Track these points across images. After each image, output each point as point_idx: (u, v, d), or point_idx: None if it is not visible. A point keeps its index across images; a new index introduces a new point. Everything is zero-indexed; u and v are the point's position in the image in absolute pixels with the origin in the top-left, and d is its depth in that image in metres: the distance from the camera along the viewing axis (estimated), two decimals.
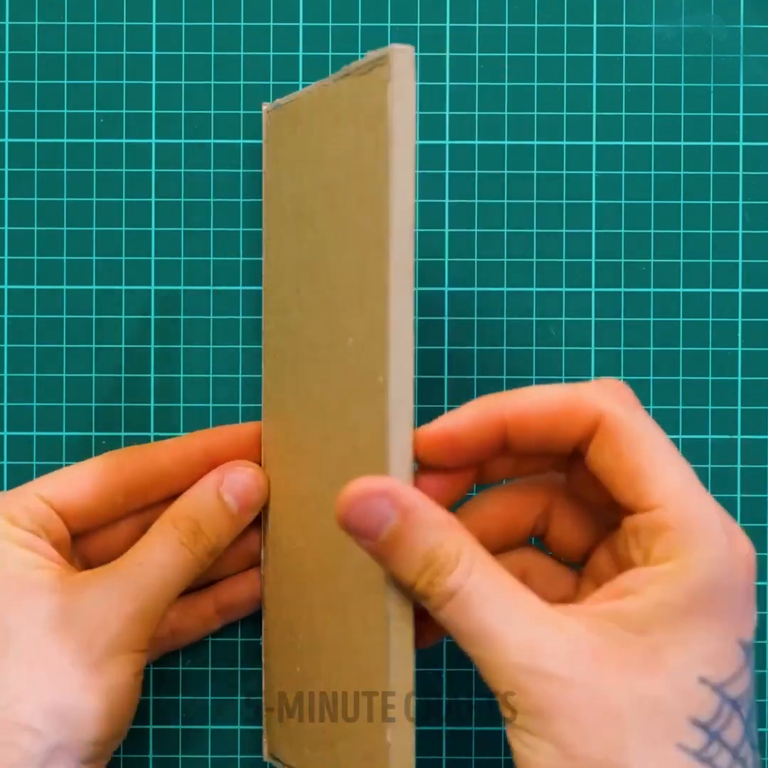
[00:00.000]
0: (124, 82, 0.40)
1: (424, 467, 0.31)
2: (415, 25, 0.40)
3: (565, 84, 0.40)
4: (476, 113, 0.40)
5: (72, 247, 0.40)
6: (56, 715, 0.31)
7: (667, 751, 0.26)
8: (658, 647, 0.27)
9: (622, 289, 0.40)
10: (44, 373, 0.40)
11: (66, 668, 0.31)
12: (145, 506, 0.36)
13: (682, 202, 0.40)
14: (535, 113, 0.40)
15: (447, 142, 0.40)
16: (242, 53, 0.40)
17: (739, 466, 0.40)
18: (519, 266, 0.40)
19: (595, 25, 0.40)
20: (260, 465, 0.37)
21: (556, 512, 0.33)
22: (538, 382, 0.39)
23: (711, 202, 0.40)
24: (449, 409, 0.35)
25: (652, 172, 0.40)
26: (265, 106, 0.38)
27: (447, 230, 0.40)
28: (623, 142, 0.40)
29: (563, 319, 0.40)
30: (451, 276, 0.40)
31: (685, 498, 0.28)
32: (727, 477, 0.39)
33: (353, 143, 0.31)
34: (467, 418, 0.30)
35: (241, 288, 0.40)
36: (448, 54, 0.40)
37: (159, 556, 0.33)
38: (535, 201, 0.40)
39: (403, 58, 0.28)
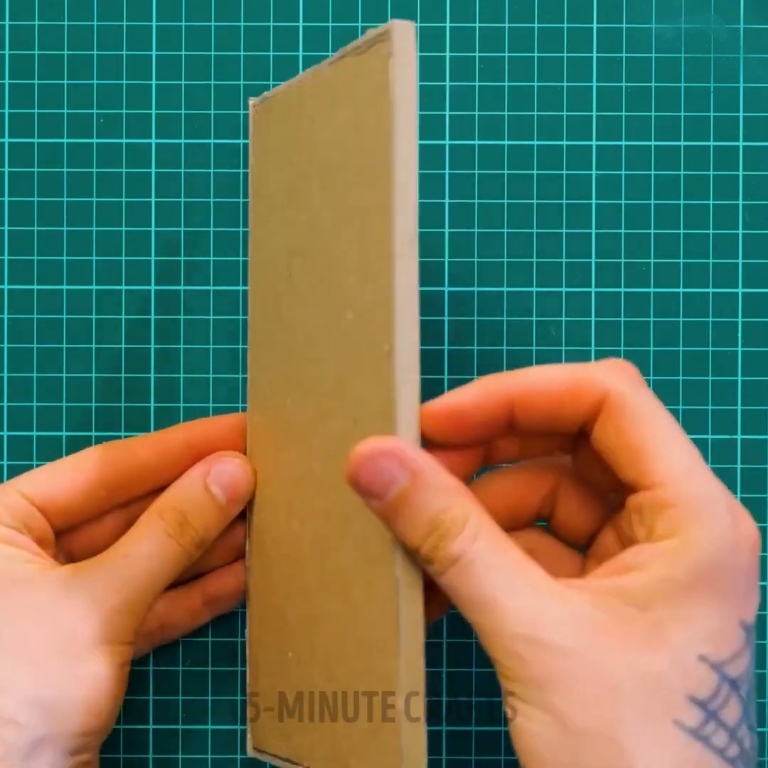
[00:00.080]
0: (124, 82, 0.40)
1: (429, 445, 0.30)
2: (415, 25, 0.40)
3: (565, 84, 0.40)
4: (476, 113, 0.40)
5: (72, 247, 0.40)
6: (40, 707, 0.31)
7: (664, 727, 0.26)
8: (659, 623, 0.27)
9: (622, 289, 0.40)
10: (44, 373, 0.40)
11: (50, 661, 0.32)
12: (129, 500, 0.36)
13: (682, 202, 0.40)
14: (535, 113, 0.40)
15: (447, 142, 0.40)
16: (242, 53, 0.40)
17: (739, 466, 0.40)
18: (519, 266, 0.40)
19: (595, 25, 0.40)
20: (245, 455, 0.37)
21: (563, 494, 0.32)
22: None
23: (711, 202, 0.40)
24: None
25: (652, 172, 0.40)
26: (252, 101, 0.38)
27: (447, 230, 0.40)
28: (623, 142, 0.40)
29: (563, 319, 0.40)
30: (451, 276, 0.40)
31: (689, 476, 0.28)
32: (727, 477, 0.39)
33: (352, 122, 0.31)
34: (472, 395, 0.30)
35: (241, 288, 0.40)
36: (448, 54, 0.40)
37: (145, 547, 0.33)
38: (535, 201, 0.40)
39: (404, 32, 0.29)
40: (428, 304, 0.39)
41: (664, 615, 0.27)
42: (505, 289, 0.39)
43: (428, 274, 0.39)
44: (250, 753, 0.37)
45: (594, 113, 0.40)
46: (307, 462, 0.33)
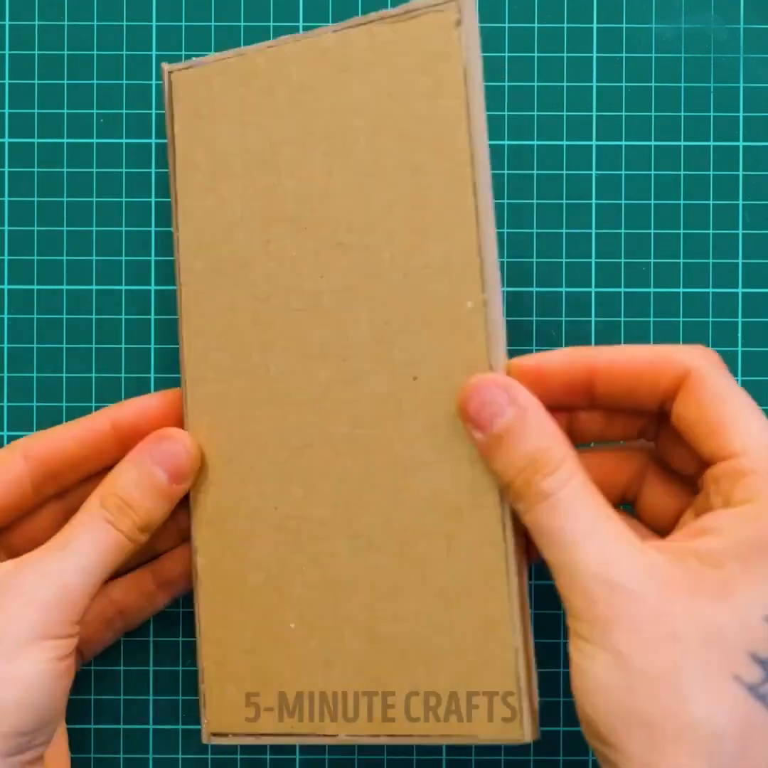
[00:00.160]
0: (124, 82, 0.40)
1: None
2: None
3: (565, 84, 0.40)
4: None
5: (72, 247, 0.40)
6: None
7: (722, 680, 0.27)
8: (729, 580, 0.28)
9: (622, 289, 0.40)
10: (44, 373, 0.40)
11: None
12: (62, 491, 0.36)
13: (682, 202, 0.40)
14: (535, 113, 0.40)
15: None
16: None
17: None
18: (519, 266, 0.40)
19: (595, 25, 0.40)
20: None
21: (648, 479, 0.33)
22: None
23: (711, 202, 0.40)
24: None
25: (652, 172, 0.40)
26: (167, 67, 0.35)
27: None
28: (623, 142, 0.40)
29: (563, 319, 0.40)
30: None
31: (766, 447, 0.29)
32: None
33: (387, 88, 0.32)
34: (558, 358, 0.31)
35: None
36: None
37: (81, 538, 0.32)
38: (535, 201, 0.40)
39: (470, 3, 0.31)
40: None
41: (734, 573, 0.28)
42: (505, 289, 0.39)
43: None
44: (207, 739, 0.35)
45: (594, 113, 0.40)
46: (323, 428, 0.33)
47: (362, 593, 0.33)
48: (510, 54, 0.40)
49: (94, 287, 0.40)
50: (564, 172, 0.40)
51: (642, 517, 0.34)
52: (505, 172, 0.40)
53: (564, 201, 0.40)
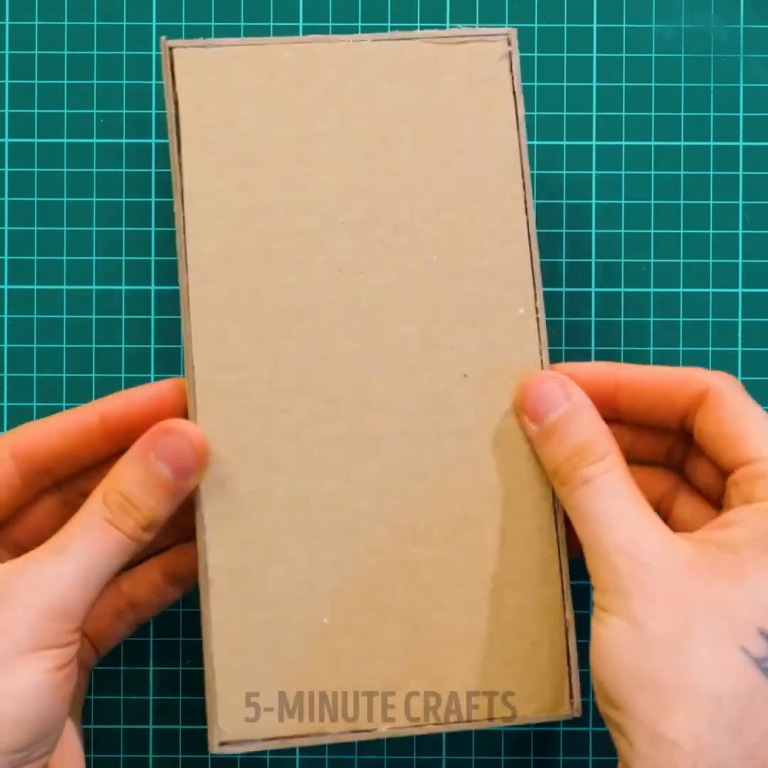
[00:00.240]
0: (124, 82, 0.40)
1: None
2: (415, 25, 0.40)
3: (565, 84, 0.40)
4: None
5: (72, 247, 0.40)
6: None
7: (730, 650, 0.29)
8: (744, 564, 0.29)
9: (622, 289, 0.40)
10: (44, 373, 0.40)
11: None
12: (56, 483, 0.35)
13: (682, 202, 0.40)
14: (535, 113, 0.40)
15: None
16: None
17: None
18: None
19: (595, 25, 0.40)
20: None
21: (680, 499, 0.35)
22: None
23: (711, 202, 0.40)
24: None
25: (652, 172, 0.40)
26: (167, 43, 0.34)
27: None
28: (623, 142, 0.40)
29: (563, 319, 0.40)
30: None
31: None
32: None
33: (433, 101, 0.34)
34: (586, 370, 0.34)
35: None
36: None
37: (80, 540, 0.31)
38: (535, 201, 0.40)
39: (515, 36, 0.35)
40: None
41: (750, 558, 0.29)
42: None
43: None
44: (218, 749, 0.33)
45: (594, 113, 0.40)
46: (358, 419, 0.33)
47: (404, 585, 0.33)
48: None
49: (94, 287, 0.40)
50: (564, 172, 0.40)
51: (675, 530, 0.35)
52: None
53: (564, 201, 0.40)
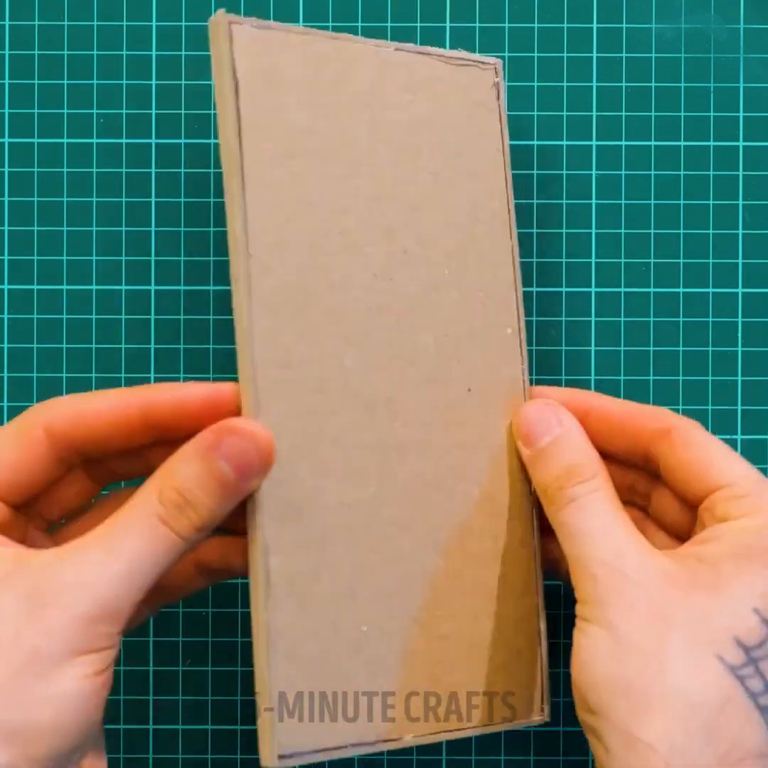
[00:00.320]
0: (124, 82, 0.40)
1: None
2: (415, 25, 0.40)
3: (565, 84, 0.40)
4: None
5: (72, 247, 0.40)
6: (2, 735, 0.28)
7: (706, 657, 0.29)
8: (722, 576, 0.30)
9: (622, 289, 0.40)
10: (44, 373, 0.40)
11: (11, 682, 0.28)
12: (85, 460, 0.33)
13: (682, 202, 0.40)
14: (535, 113, 0.40)
15: None
16: None
17: None
18: (520, 266, 0.40)
19: (595, 25, 0.40)
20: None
21: (647, 532, 0.35)
22: (538, 382, 0.39)
23: (711, 202, 0.40)
24: None
25: (652, 172, 0.40)
26: (226, 17, 0.32)
27: None
28: (623, 142, 0.40)
29: (563, 319, 0.40)
30: None
31: (757, 478, 0.32)
32: None
33: (442, 119, 0.35)
34: (558, 393, 0.35)
35: None
36: None
37: (132, 538, 0.29)
38: (535, 201, 0.40)
39: (501, 68, 0.37)
40: None
41: (728, 570, 0.30)
42: None
43: None
44: (272, 763, 0.31)
45: (594, 113, 0.40)
46: (389, 427, 0.33)
47: (424, 593, 0.34)
48: (510, 54, 0.40)
49: (94, 287, 0.40)
50: (564, 172, 0.40)
51: None
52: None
53: (564, 201, 0.40)
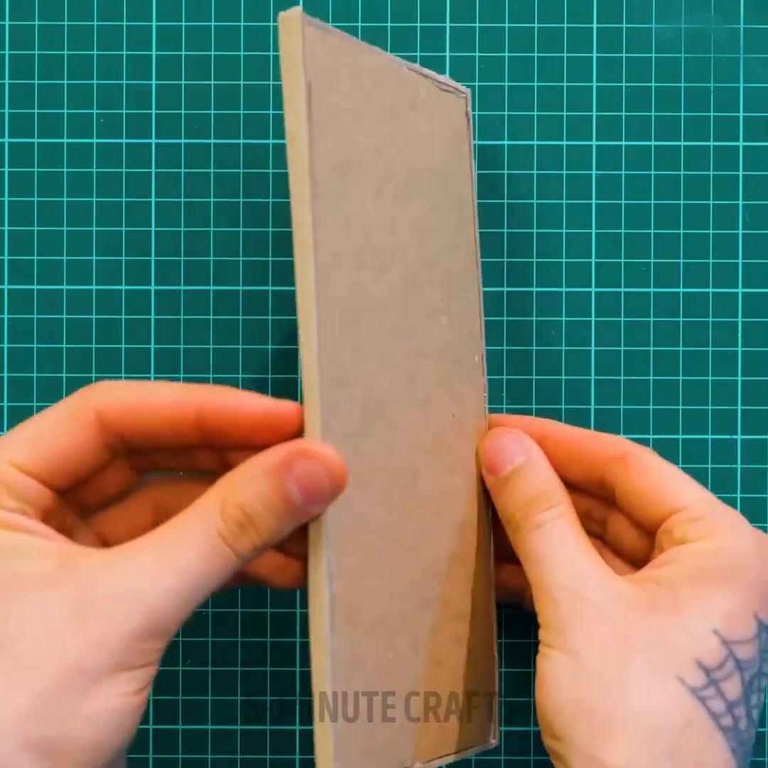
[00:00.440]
0: (124, 82, 0.40)
1: None
2: (415, 25, 0.40)
3: (565, 84, 0.40)
4: (476, 113, 0.40)
5: (72, 247, 0.40)
6: (36, 749, 0.27)
7: (666, 680, 0.29)
8: (682, 598, 0.31)
9: (622, 289, 0.40)
10: (44, 373, 0.40)
11: (52, 695, 0.27)
12: (130, 450, 0.32)
13: (682, 202, 0.40)
14: (535, 113, 0.40)
15: None
16: (242, 53, 0.40)
17: (739, 466, 0.40)
18: (519, 266, 0.40)
19: (595, 25, 0.40)
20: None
21: (605, 558, 0.36)
22: (538, 382, 0.39)
23: (711, 202, 0.40)
24: None
25: (652, 172, 0.40)
26: (301, 16, 0.30)
27: None
28: (623, 142, 0.40)
29: (563, 319, 0.40)
30: None
31: (711, 501, 0.33)
32: (727, 477, 0.39)
33: (433, 143, 0.35)
34: (515, 420, 0.36)
35: (241, 288, 0.40)
36: (448, 54, 0.40)
37: (189, 554, 0.28)
38: (535, 201, 0.40)
39: (469, 99, 0.37)
40: None
41: (687, 593, 0.31)
42: (505, 289, 0.39)
43: None
44: None
45: (594, 113, 0.40)
46: (405, 451, 0.33)
47: (428, 619, 0.34)
48: (510, 54, 0.40)
49: (94, 287, 0.40)
50: (564, 172, 0.40)
51: None
52: (505, 172, 0.40)
53: (564, 201, 0.40)
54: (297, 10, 0.29)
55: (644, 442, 0.38)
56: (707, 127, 0.40)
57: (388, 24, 0.40)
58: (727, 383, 0.40)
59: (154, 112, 0.40)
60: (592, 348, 0.40)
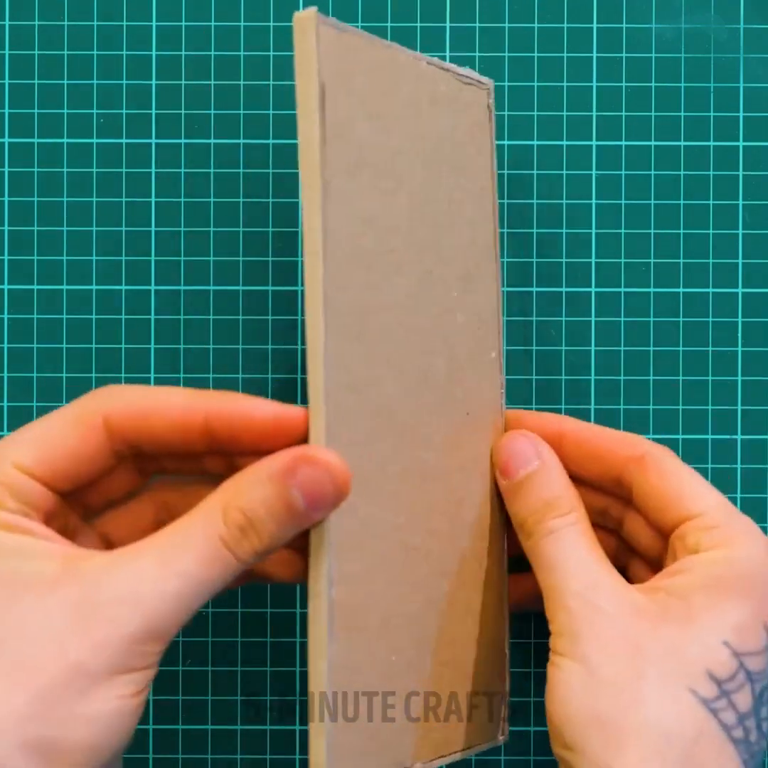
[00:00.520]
0: (124, 82, 0.40)
1: None
2: (415, 25, 0.40)
3: (565, 84, 0.40)
4: None
5: (72, 247, 0.40)
6: (34, 750, 0.27)
7: (679, 690, 0.29)
8: (693, 609, 0.31)
9: (622, 289, 0.40)
10: (44, 373, 0.40)
11: (52, 696, 0.27)
12: (137, 454, 0.32)
13: (682, 202, 0.40)
14: (535, 113, 0.40)
15: None
16: (242, 53, 0.40)
17: (739, 466, 0.40)
18: (519, 266, 0.40)
19: (595, 25, 0.40)
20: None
21: (628, 558, 0.36)
22: (538, 382, 0.39)
23: (711, 202, 0.40)
24: None
25: (652, 172, 0.40)
26: (320, 18, 0.30)
27: None
28: (623, 142, 0.40)
29: (563, 319, 0.40)
30: None
31: (727, 508, 0.33)
32: (727, 477, 0.39)
33: (452, 136, 0.34)
34: (533, 416, 0.36)
35: (241, 288, 0.40)
36: (448, 54, 0.40)
37: (190, 557, 0.28)
38: (535, 201, 0.40)
39: (492, 90, 0.37)
40: None
41: (699, 603, 0.31)
42: (505, 289, 0.39)
43: None
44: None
45: (594, 113, 0.40)
46: (414, 452, 0.33)
47: (434, 620, 0.34)
48: (510, 54, 0.40)
49: (94, 287, 0.40)
50: (564, 172, 0.40)
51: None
52: (506, 172, 0.40)
53: (564, 201, 0.40)
54: (311, 11, 0.29)
55: None
56: (707, 127, 0.40)
57: (388, 24, 0.40)
58: (727, 383, 0.40)
59: (154, 112, 0.40)
60: (592, 348, 0.40)
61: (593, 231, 0.40)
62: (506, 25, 0.40)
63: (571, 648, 0.30)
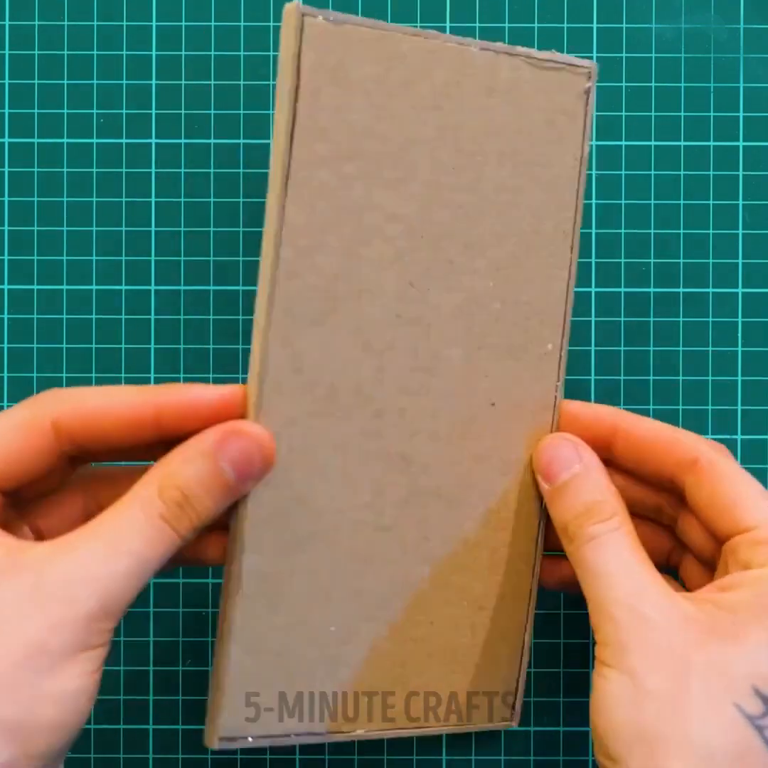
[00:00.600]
0: (124, 82, 0.40)
1: None
2: (415, 25, 0.40)
3: None
4: None
5: (72, 247, 0.40)
6: (6, 731, 0.27)
7: (724, 706, 0.29)
8: (742, 625, 0.30)
9: (622, 289, 0.40)
10: (44, 373, 0.40)
11: (13, 677, 0.27)
12: (87, 457, 0.33)
13: (682, 202, 0.40)
14: None
15: None
16: (242, 53, 0.40)
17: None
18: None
19: (595, 25, 0.40)
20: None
21: (683, 556, 0.36)
22: None
23: (711, 202, 0.40)
24: None
25: (652, 172, 0.40)
26: (302, 9, 0.31)
27: None
28: (623, 142, 0.40)
29: None
30: None
31: None
32: None
33: (517, 123, 0.34)
34: (589, 408, 0.35)
35: (241, 288, 0.40)
36: None
37: (133, 536, 0.29)
38: None
39: (596, 73, 0.35)
40: None
41: (747, 619, 0.30)
42: None
43: None
44: (218, 745, 0.33)
45: (594, 113, 0.40)
46: (398, 436, 0.33)
47: (404, 599, 0.34)
48: None
49: (94, 287, 0.40)
50: None
51: (685, 585, 0.36)
52: None
53: None
54: (296, 4, 0.30)
55: None
56: (707, 127, 0.40)
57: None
58: (727, 383, 0.40)
59: (154, 112, 0.40)
60: (592, 348, 0.40)
61: (593, 231, 0.40)
62: (506, 25, 0.40)
63: (618, 658, 0.30)
